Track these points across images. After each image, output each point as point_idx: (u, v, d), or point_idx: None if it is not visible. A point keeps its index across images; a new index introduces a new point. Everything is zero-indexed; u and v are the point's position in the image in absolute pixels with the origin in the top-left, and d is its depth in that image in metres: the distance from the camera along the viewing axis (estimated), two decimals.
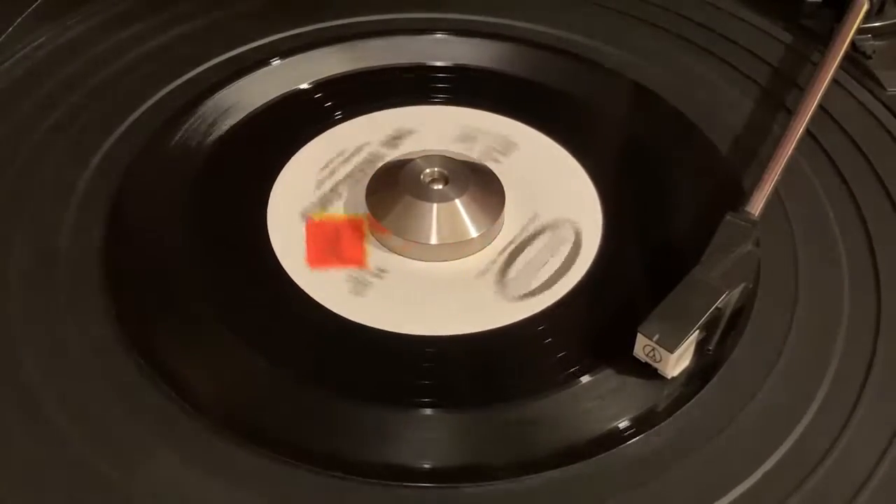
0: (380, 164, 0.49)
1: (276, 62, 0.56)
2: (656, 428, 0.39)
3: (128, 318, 0.42)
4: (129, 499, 0.36)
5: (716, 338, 0.41)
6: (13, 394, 0.39)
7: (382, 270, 0.46)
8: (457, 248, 0.46)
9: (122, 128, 0.51)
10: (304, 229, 0.47)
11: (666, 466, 0.38)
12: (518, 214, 0.48)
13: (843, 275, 0.45)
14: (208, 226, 0.47)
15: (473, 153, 0.51)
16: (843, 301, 0.44)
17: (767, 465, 0.38)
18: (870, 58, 0.57)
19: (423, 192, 0.47)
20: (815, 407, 0.40)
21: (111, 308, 0.42)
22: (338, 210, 0.49)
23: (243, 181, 0.49)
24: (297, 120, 0.53)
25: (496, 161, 0.51)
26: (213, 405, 0.39)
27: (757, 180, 0.46)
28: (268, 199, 0.48)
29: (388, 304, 0.44)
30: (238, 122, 0.52)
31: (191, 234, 0.47)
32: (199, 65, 0.55)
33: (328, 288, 0.45)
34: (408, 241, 0.46)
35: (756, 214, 0.44)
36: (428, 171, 0.48)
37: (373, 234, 0.47)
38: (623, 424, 0.39)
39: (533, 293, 0.45)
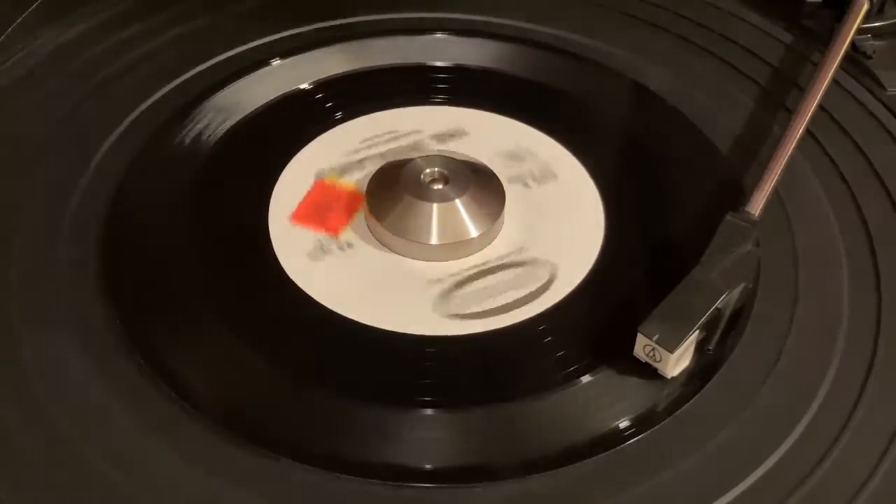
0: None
1: (275, 62, 0.56)
2: (656, 428, 0.39)
3: (128, 318, 0.42)
4: (130, 499, 0.36)
5: (716, 338, 0.41)
6: (13, 394, 0.39)
7: (349, 245, 0.46)
8: (457, 247, 0.46)
9: (122, 128, 0.51)
10: (310, 186, 0.48)
11: (666, 466, 0.38)
12: (509, 240, 0.47)
13: (843, 275, 0.45)
14: (208, 226, 0.47)
15: (510, 171, 0.50)
16: (843, 301, 0.44)
17: (767, 465, 0.38)
18: (870, 58, 0.57)
19: (423, 192, 0.47)
20: (815, 407, 0.40)
21: (111, 308, 0.42)
22: (351, 180, 0.49)
23: (243, 182, 0.49)
24: (298, 120, 0.53)
25: (527, 186, 0.50)
26: (213, 405, 0.39)
27: (757, 180, 0.46)
28: (268, 199, 0.48)
29: (330, 276, 0.45)
30: (238, 123, 0.52)
31: (191, 235, 0.47)
32: (198, 65, 0.55)
33: (292, 243, 0.46)
34: (408, 241, 0.46)
35: (756, 214, 0.44)
36: (428, 171, 0.48)
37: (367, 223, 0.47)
38: (623, 424, 0.39)
39: (466, 316, 0.44)
